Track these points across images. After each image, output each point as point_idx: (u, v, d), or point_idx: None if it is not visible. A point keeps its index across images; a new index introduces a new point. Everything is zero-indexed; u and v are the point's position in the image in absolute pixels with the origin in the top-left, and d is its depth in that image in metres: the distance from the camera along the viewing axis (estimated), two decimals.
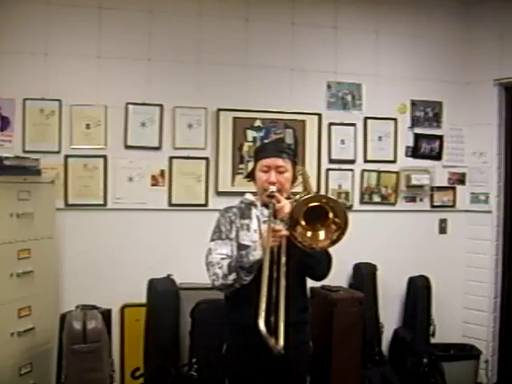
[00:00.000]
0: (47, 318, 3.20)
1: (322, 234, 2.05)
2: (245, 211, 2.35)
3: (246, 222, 2.31)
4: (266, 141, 3.78)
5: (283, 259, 2.11)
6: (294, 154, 2.40)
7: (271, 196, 2.23)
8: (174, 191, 3.70)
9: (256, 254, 2.12)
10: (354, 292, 3.72)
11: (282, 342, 1.96)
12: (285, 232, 2.08)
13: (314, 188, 2.54)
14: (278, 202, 2.19)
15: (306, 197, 2.09)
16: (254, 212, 2.35)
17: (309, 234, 2.06)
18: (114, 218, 3.61)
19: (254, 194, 2.42)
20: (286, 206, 2.15)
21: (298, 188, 2.53)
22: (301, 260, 2.19)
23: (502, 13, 4.03)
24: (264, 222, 2.27)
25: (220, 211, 2.40)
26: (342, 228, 2.03)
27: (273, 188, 2.24)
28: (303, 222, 2.04)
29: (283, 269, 2.11)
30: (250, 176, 2.42)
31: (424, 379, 3.84)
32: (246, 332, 2.16)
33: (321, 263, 2.24)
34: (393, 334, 4.08)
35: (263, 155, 2.33)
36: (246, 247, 2.22)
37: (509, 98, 4.12)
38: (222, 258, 2.22)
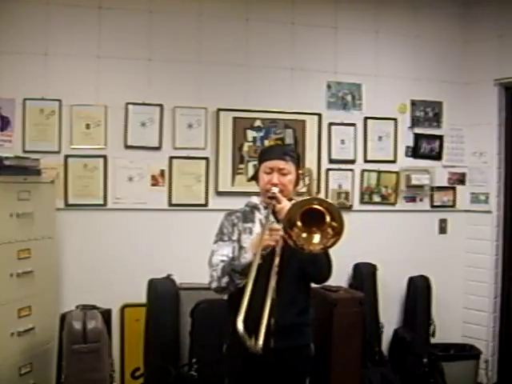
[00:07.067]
0: (47, 318, 3.20)
1: (316, 238, 2.05)
2: (248, 215, 2.36)
3: (249, 225, 2.32)
4: (267, 142, 3.81)
5: (276, 260, 2.11)
6: (298, 157, 2.42)
7: (272, 197, 2.25)
8: (174, 191, 3.70)
9: (247, 257, 2.12)
10: (354, 292, 3.72)
11: (260, 342, 1.91)
12: (282, 232, 2.07)
13: (314, 190, 2.56)
14: (279, 202, 2.20)
15: (303, 198, 2.10)
16: (258, 216, 2.35)
17: (304, 235, 2.05)
18: (114, 218, 3.61)
19: (258, 195, 2.42)
20: (286, 207, 2.13)
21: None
22: (300, 265, 2.21)
23: (501, 13, 4.03)
24: None
25: (224, 214, 2.41)
26: (338, 235, 2.02)
27: (274, 189, 2.25)
28: (299, 223, 2.04)
29: (275, 269, 2.11)
30: (254, 178, 2.44)
31: (424, 379, 3.84)
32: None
33: (320, 269, 2.25)
34: (393, 334, 4.08)
35: (267, 157, 2.35)
36: None
37: (509, 98, 4.12)
38: (222, 260, 2.23)
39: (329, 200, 2.05)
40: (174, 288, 3.40)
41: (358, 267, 3.97)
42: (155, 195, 3.67)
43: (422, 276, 4.06)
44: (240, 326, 1.88)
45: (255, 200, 2.39)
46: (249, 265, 2.07)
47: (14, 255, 2.97)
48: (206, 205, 3.74)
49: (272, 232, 2.10)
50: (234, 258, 2.20)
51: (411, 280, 4.09)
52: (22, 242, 3.02)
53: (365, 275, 3.91)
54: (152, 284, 3.37)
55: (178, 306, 3.38)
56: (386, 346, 4.05)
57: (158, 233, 3.67)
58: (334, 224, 2.02)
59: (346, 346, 3.38)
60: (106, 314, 3.18)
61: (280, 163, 2.29)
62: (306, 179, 2.49)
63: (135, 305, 3.55)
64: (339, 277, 3.87)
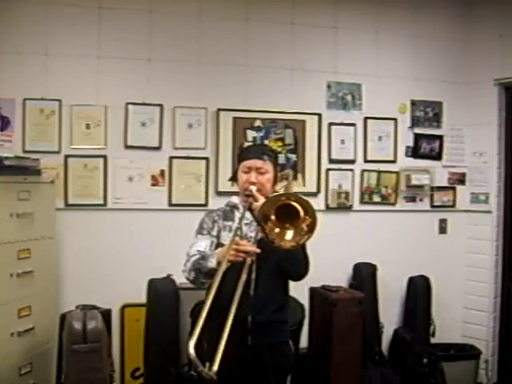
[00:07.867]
0: (47, 318, 3.20)
1: (289, 234, 2.05)
2: (228, 214, 2.40)
3: (229, 223, 2.36)
4: (267, 142, 3.81)
5: (248, 260, 2.11)
6: (276, 156, 2.45)
7: (249, 195, 2.27)
8: (174, 191, 3.71)
9: (210, 263, 2.12)
10: (354, 292, 3.72)
11: (216, 367, 1.90)
12: (250, 248, 2.07)
13: (292, 190, 2.58)
14: (256, 200, 2.23)
15: (277, 193, 2.13)
16: (237, 215, 2.38)
17: (277, 230, 2.06)
18: (114, 218, 3.61)
19: (239, 195, 2.44)
20: None
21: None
22: (277, 263, 2.23)
23: (502, 13, 4.03)
24: (246, 224, 2.31)
25: (205, 212, 2.46)
26: (311, 231, 2.01)
27: (252, 187, 2.29)
28: (273, 217, 2.05)
29: (248, 262, 2.12)
30: (234, 178, 2.47)
31: (424, 379, 3.84)
32: (222, 330, 2.18)
33: (296, 266, 2.26)
34: (393, 334, 4.08)
35: (245, 157, 2.39)
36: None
37: (509, 98, 4.12)
38: (198, 250, 2.26)
39: (303, 197, 2.05)
40: (173, 288, 3.40)
41: (357, 267, 3.97)
42: (155, 195, 3.68)
43: (421, 276, 4.06)
44: (191, 349, 1.87)
45: (235, 200, 2.44)
46: (212, 270, 2.09)
47: (14, 255, 2.97)
48: (205, 205, 3.73)
49: (237, 251, 2.06)
50: (205, 256, 2.19)
51: (411, 280, 4.09)
52: (21, 242, 3.02)
53: (365, 275, 3.91)
54: (152, 284, 3.38)
55: (178, 306, 3.38)
56: (386, 346, 4.05)
57: (158, 233, 3.67)
58: (307, 218, 2.01)
59: (345, 346, 3.38)
60: (106, 314, 3.19)
61: (257, 162, 2.32)
62: (284, 181, 2.51)
63: (135, 305, 3.55)
64: (339, 277, 3.88)
